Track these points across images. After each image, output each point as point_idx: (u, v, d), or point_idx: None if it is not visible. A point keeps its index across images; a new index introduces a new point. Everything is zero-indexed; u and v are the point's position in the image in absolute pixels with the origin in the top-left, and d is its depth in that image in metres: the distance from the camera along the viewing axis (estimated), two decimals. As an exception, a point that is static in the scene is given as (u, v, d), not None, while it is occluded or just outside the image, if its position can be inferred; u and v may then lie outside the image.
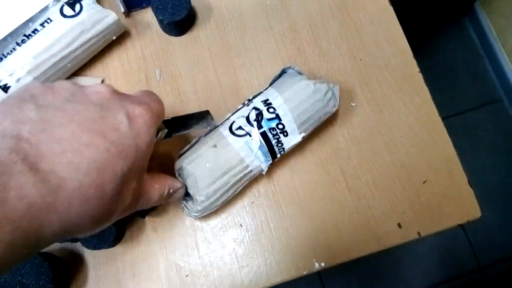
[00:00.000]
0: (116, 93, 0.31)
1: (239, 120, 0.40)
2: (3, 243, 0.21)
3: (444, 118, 0.47)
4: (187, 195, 0.40)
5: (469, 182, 0.45)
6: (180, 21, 0.47)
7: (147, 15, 0.51)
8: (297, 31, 0.50)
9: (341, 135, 0.47)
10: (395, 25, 0.51)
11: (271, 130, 0.40)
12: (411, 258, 1.33)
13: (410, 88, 0.48)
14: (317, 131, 0.46)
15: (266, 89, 0.43)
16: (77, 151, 0.25)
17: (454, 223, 0.44)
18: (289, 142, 0.41)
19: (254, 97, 0.43)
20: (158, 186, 0.35)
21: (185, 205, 0.41)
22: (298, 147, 0.45)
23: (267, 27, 0.51)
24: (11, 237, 0.22)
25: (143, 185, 0.33)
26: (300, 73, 0.43)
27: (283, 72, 0.44)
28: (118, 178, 0.27)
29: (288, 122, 0.40)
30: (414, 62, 0.49)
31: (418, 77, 0.49)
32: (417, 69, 0.49)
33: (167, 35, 0.50)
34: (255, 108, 0.40)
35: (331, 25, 0.51)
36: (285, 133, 0.40)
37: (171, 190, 0.37)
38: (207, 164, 0.39)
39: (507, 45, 1.41)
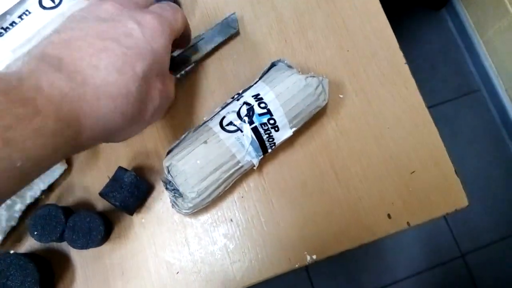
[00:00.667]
0: (126, 6, 0.32)
1: (229, 115, 0.40)
2: (48, 131, 0.24)
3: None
4: (176, 192, 0.40)
5: (455, 172, 0.46)
6: (164, 13, 0.45)
7: (130, 7, 0.49)
8: (283, 22, 0.50)
9: (329, 127, 0.46)
10: (381, 16, 0.51)
11: (262, 125, 0.39)
12: (395, 248, 1.36)
13: (397, 79, 0.48)
14: (306, 124, 0.46)
15: (255, 82, 0.43)
16: (95, 55, 0.27)
17: (442, 212, 0.45)
18: (280, 137, 0.41)
19: (244, 91, 0.42)
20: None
21: (175, 202, 0.40)
22: (287, 140, 0.45)
23: (253, 18, 0.50)
24: (55, 126, 0.24)
25: (169, 86, 0.34)
26: (290, 67, 0.43)
27: (272, 65, 0.44)
28: (139, 77, 0.29)
29: (280, 117, 0.40)
30: (400, 53, 0.49)
31: (405, 69, 0.49)
32: (404, 60, 0.49)
33: (151, 28, 0.49)
34: (246, 103, 0.40)
35: (317, 16, 0.50)
36: (276, 128, 0.40)
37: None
38: (197, 161, 0.38)
39: (485, 36, 1.44)
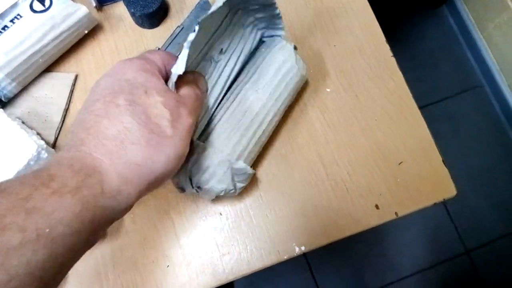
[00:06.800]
0: None
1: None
2: (69, 189, 0.24)
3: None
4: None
5: (443, 162, 0.46)
6: (152, 13, 0.47)
7: (120, 9, 0.50)
8: (270, 19, 0.50)
9: (317, 121, 0.47)
10: (368, 12, 0.51)
11: None
12: (399, 246, 1.35)
13: (384, 72, 0.49)
14: (293, 117, 0.46)
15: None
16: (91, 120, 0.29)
17: (430, 202, 0.45)
18: None
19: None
20: (186, 86, 0.34)
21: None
22: (275, 134, 0.46)
23: (240, 17, 0.51)
24: (74, 181, 0.25)
25: (173, 94, 0.32)
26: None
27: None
28: (126, 105, 0.29)
29: None
30: (387, 47, 0.50)
31: (391, 62, 0.49)
32: (390, 54, 0.50)
33: (140, 28, 0.50)
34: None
35: (304, 13, 0.51)
36: None
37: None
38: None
39: (485, 31, 1.43)
